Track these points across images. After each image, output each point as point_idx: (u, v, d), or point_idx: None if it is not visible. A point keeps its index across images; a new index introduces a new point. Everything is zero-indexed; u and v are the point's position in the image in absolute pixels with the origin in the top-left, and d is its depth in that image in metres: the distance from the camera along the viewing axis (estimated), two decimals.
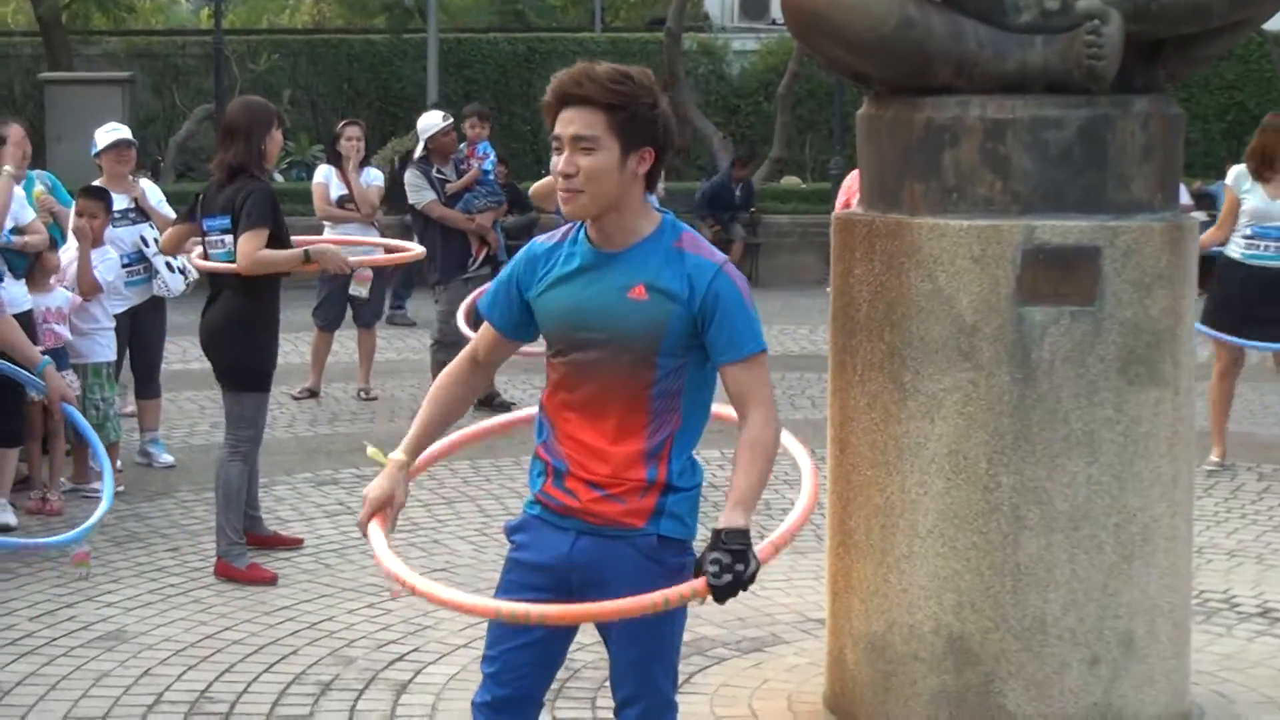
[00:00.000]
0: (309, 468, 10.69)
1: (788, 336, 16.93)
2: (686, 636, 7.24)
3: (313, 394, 13.19)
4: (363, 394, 13.27)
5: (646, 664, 4.54)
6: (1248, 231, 10.65)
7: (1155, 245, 5.82)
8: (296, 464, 10.86)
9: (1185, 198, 18.26)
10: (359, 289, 12.83)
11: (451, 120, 13.33)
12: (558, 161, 4.29)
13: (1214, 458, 10.75)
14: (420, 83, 26.33)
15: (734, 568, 4.06)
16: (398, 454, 4.56)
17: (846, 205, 8.01)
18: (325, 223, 13.34)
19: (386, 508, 4.50)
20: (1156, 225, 5.85)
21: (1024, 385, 5.77)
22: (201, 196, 8.55)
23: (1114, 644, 5.86)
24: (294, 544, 8.88)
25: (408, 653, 7.17)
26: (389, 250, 11.73)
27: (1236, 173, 10.82)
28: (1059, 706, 5.85)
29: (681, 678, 6.80)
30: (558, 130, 4.28)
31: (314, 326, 13.39)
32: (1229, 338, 10.51)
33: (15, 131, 9.78)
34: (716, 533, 4.12)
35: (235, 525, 8.30)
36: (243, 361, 8.32)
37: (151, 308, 10.77)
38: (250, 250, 8.15)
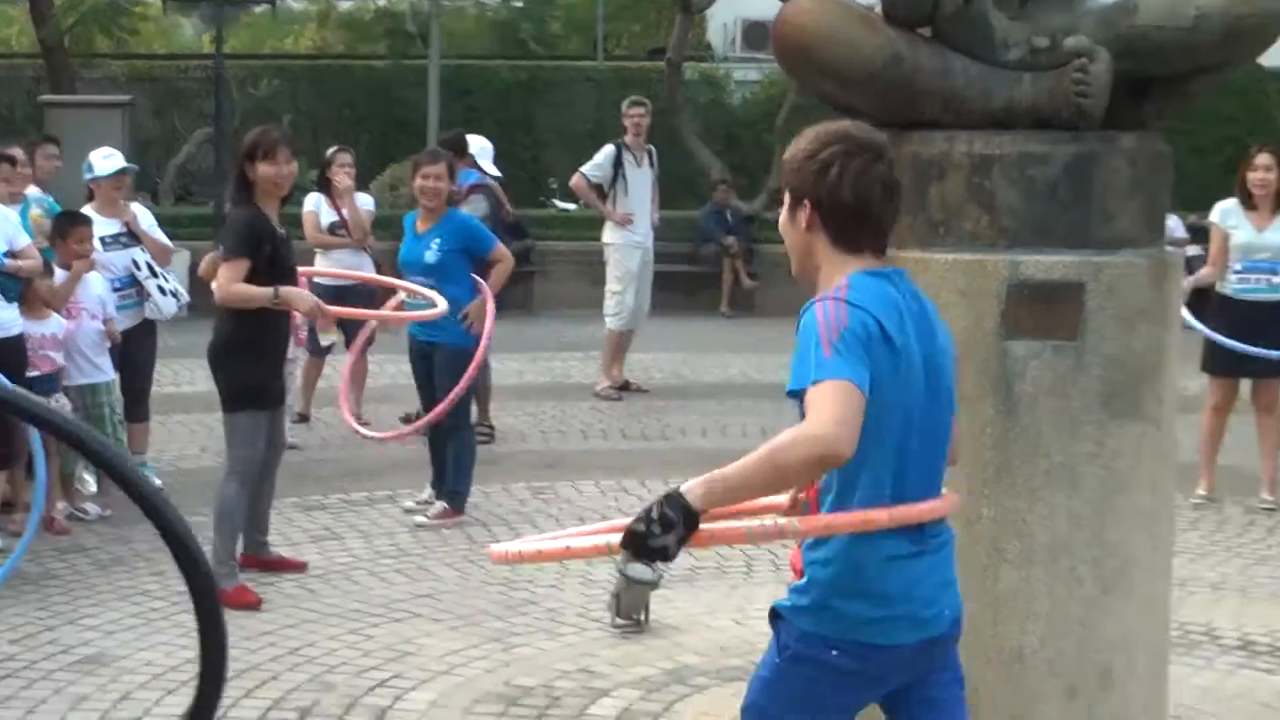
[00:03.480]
0: (296, 492, 10.52)
1: (784, 367, 16.85)
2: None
3: (303, 418, 13.12)
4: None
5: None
6: (1238, 267, 10.59)
7: (1139, 281, 5.82)
8: (284, 488, 10.73)
9: (1181, 231, 18.21)
10: (327, 337, 12.44)
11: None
12: None
13: (1201, 490, 10.71)
14: (421, 109, 26.28)
15: (653, 524, 3.80)
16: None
17: None
18: (317, 249, 13.19)
19: None
20: (1141, 261, 5.85)
21: (1006, 418, 5.77)
22: None
23: (1092, 676, 5.84)
24: (299, 567, 8.92)
25: (388, 679, 7.16)
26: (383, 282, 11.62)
27: (1223, 209, 10.74)
28: None
29: None
30: None
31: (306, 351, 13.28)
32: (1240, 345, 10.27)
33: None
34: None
35: (227, 545, 8.31)
36: (232, 382, 8.45)
37: (143, 331, 10.68)
38: (224, 282, 8.28)
